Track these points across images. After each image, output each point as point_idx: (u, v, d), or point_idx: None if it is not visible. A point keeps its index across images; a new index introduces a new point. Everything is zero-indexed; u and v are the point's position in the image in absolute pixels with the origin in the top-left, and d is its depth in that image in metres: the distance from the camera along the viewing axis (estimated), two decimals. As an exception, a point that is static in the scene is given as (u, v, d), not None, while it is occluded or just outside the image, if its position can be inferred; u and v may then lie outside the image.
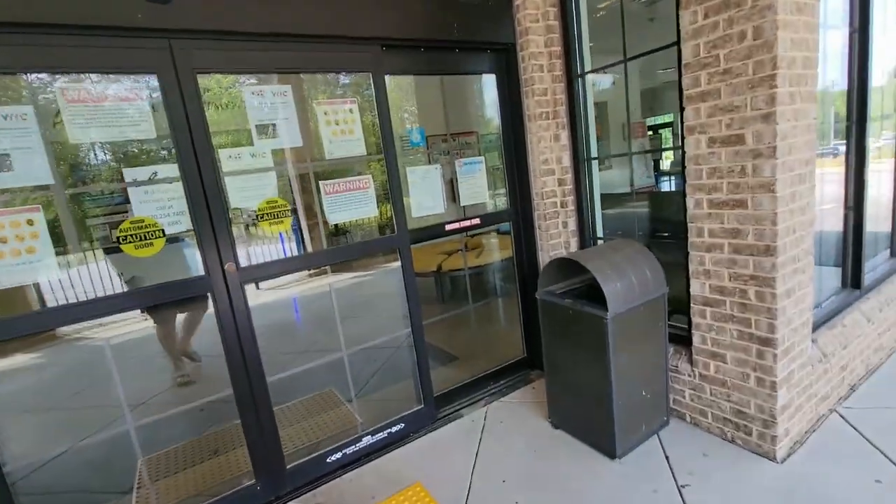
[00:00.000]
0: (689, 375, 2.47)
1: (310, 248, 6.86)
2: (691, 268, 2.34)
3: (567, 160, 2.97)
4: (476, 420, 2.84)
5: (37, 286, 2.18)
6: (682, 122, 2.26)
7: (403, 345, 2.93)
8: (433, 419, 2.83)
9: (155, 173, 1.97)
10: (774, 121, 1.89)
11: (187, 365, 3.87)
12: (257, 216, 2.21)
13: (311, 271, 4.23)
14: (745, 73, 1.94)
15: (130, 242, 1.92)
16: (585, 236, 3.04)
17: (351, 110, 2.41)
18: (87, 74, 1.81)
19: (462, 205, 2.91)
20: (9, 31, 1.64)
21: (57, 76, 1.76)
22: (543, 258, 3.09)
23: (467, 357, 3.74)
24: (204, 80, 2.08)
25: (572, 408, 2.50)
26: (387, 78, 2.46)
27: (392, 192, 2.53)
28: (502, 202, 3.28)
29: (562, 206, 3.03)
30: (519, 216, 3.13)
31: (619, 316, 2.17)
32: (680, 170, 2.32)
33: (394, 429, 2.68)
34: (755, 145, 1.97)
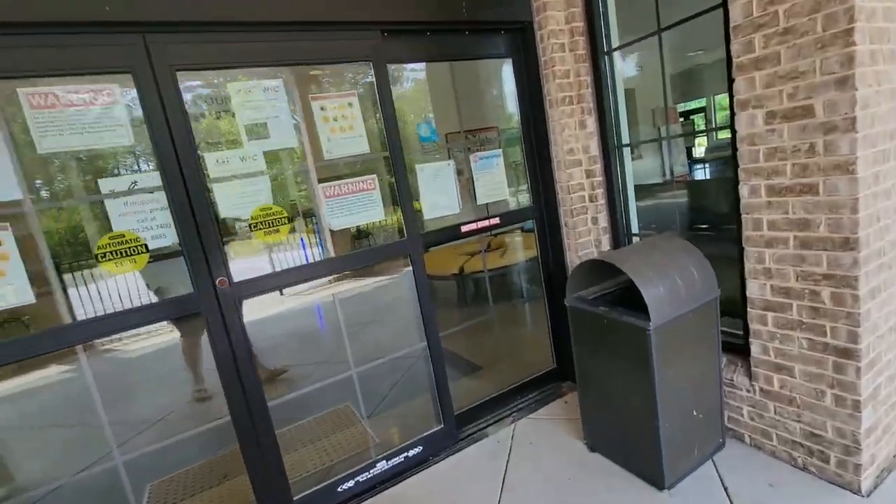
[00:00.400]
0: (748, 391, 2.13)
1: (332, 253, 6.74)
2: (747, 266, 2.01)
3: (595, 149, 2.66)
4: (502, 440, 2.57)
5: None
6: (731, 97, 1.93)
7: (423, 356, 2.69)
8: (454, 440, 2.58)
9: (134, 183, 1.79)
10: (853, 86, 1.54)
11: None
12: (250, 225, 2.01)
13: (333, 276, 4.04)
14: (812, 30, 1.60)
15: (110, 260, 1.75)
16: (619, 233, 2.72)
17: (350, 104, 2.18)
18: (54, 77, 1.64)
19: (479, 203, 2.64)
20: (-40, 31, 1.48)
21: (15, 79, 1.58)
22: (572, 259, 2.79)
23: (492, 367, 3.47)
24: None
25: (611, 428, 2.20)
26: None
27: (400, 192, 2.29)
28: (525, 199, 3.00)
29: (591, 201, 2.72)
30: (543, 213, 2.84)
31: (664, 326, 1.86)
32: (716, 156, 1.99)
33: (411, 452, 2.44)
34: (828, 117, 1.63)
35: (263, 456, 2.07)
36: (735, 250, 2.08)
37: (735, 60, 1.86)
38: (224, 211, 1.97)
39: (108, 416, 3.97)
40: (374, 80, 2.18)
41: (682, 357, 1.97)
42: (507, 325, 3.96)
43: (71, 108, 1.66)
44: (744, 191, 1.94)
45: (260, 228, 2.02)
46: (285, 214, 2.06)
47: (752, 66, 1.80)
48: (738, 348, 2.22)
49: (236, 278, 1.96)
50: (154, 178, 1.80)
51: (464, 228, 2.57)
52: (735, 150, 1.95)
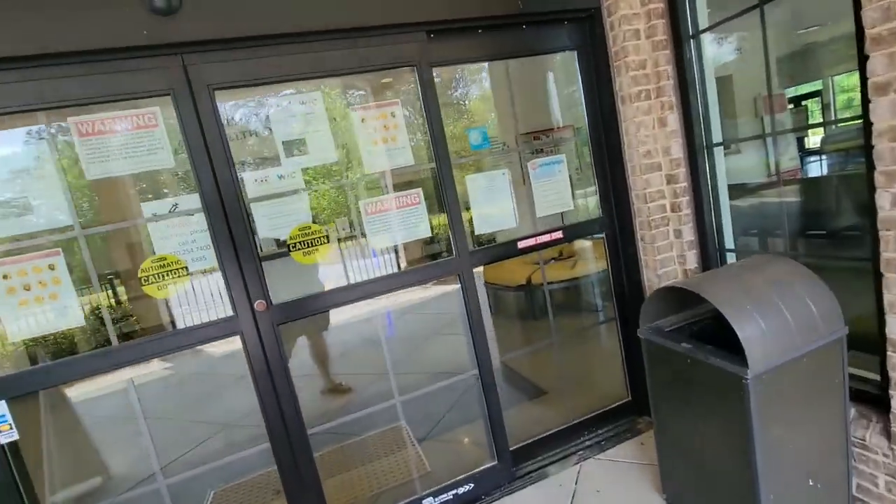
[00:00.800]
0: (885, 455, 1.65)
1: (403, 261, 6.73)
2: (887, 298, 1.54)
3: (678, 149, 2.27)
4: (565, 483, 2.27)
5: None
6: (863, 80, 1.49)
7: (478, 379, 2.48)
8: (510, 478, 2.33)
9: (175, 205, 1.78)
10: None
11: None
12: (289, 246, 1.93)
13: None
14: None
15: (153, 283, 1.75)
16: (708, 249, 2.30)
17: (394, 114, 2.03)
18: (97, 104, 1.66)
19: (539, 215, 2.37)
20: (12, 66, 1.53)
21: (62, 108, 1.62)
22: (649, 278, 2.42)
23: (558, 392, 3.15)
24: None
25: (698, 487, 1.82)
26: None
27: (448, 206, 2.10)
28: (594, 208, 2.66)
29: (673, 210, 2.33)
30: (615, 226, 2.49)
31: (769, 374, 1.47)
32: (837, 147, 1.54)
33: (461, 490, 2.24)
34: None
35: (303, 488, 1.98)
36: (864, 264, 1.62)
37: (869, 32, 1.43)
38: (263, 231, 1.91)
39: (191, 415, 4.19)
40: (418, 85, 2.01)
41: (794, 411, 1.56)
42: (578, 344, 3.60)
43: (115, 135, 1.68)
44: (883, 200, 1.49)
45: (298, 249, 1.94)
46: (324, 234, 1.96)
47: (894, 37, 1.36)
48: (872, 399, 1.74)
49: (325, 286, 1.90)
50: (194, 200, 1.78)
51: (521, 244, 2.31)
52: (870, 146, 1.51)
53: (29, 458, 1.77)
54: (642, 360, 2.49)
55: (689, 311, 1.96)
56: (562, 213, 2.49)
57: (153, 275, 1.74)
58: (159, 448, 3.70)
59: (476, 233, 2.29)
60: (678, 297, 1.91)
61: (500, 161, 2.50)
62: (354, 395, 3.90)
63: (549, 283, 4.60)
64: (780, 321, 1.53)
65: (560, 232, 2.38)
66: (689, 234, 2.33)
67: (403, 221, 2.07)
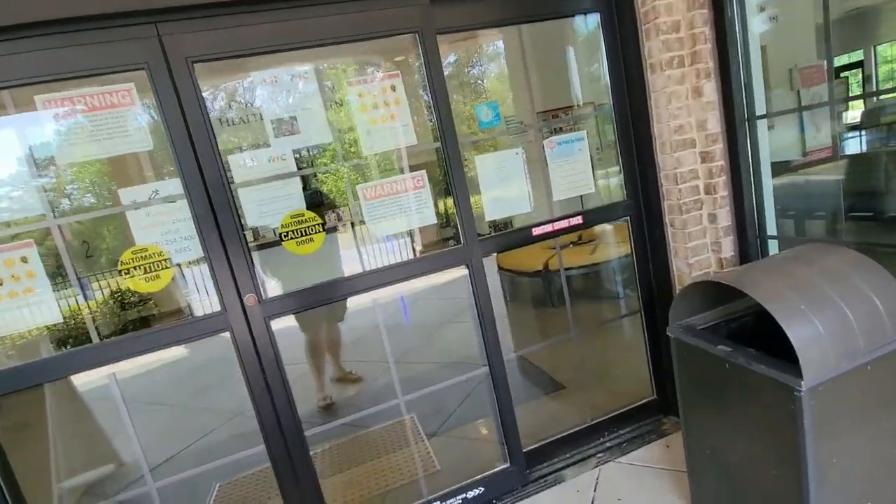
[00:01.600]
0: (959, 474, 1.43)
1: (419, 246, 6.55)
2: (971, 295, 1.30)
3: (715, 123, 2.02)
4: (582, 490, 2.10)
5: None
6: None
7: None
8: (523, 482, 2.18)
9: (156, 192, 1.63)
10: None
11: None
12: (281, 235, 1.77)
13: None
14: None
15: (134, 276, 1.61)
16: (747, 235, 2.06)
17: (394, 87, 1.83)
18: (70, 80, 1.50)
19: (556, 199, 2.15)
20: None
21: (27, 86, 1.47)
22: (678, 267, 2.19)
23: (577, 387, 2.96)
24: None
25: (732, 499, 1.63)
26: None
27: (456, 190, 1.90)
28: (616, 190, 2.43)
29: (707, 192, 2.08)
30: (640, 210, 2.26)
31: (826, 385, 1.26)
32: (880, 121, 1.28)
33: (470, 493, 2.09)
34: None
35: (301, 491, 1.86)
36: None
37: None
38: (252, 219, 1.75)
39: (200, 403, 4.13)
40: (422, 54, 1.80)
41: (855, 427, 1.34)
42: (598, 336, 3.39)
43: (88, 114, 1.52)
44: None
45: (291, 238, 1.78)
46: (319, 221, 1.79)
47: None
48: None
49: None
50: (175, 186, 1.62)
51: (536, 231, 2.10)
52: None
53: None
54: (669, 355, 2.29)
55: (724, 306, 1.74)
56: (580, 197, 2.27)
57: (133, 267, 1.61)
58: (166, 438, 3.70)
59: (487, 218, 2.09)
60: (712, 291, 1.70)
61: (518, 141, 2.27)
62: (365, 385, 3.80)
63: (567, 270, 4.39)
64: (840, 321, 1.30)
65: (579, 217, 2.16)
66: (725, 218, 2.09)
67: (406, 206, 1.89)
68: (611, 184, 2.49)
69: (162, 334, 1.67)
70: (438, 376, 2.40)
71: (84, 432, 3.22)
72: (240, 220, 1.69)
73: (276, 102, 1.73)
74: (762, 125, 2.00)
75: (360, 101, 1.79)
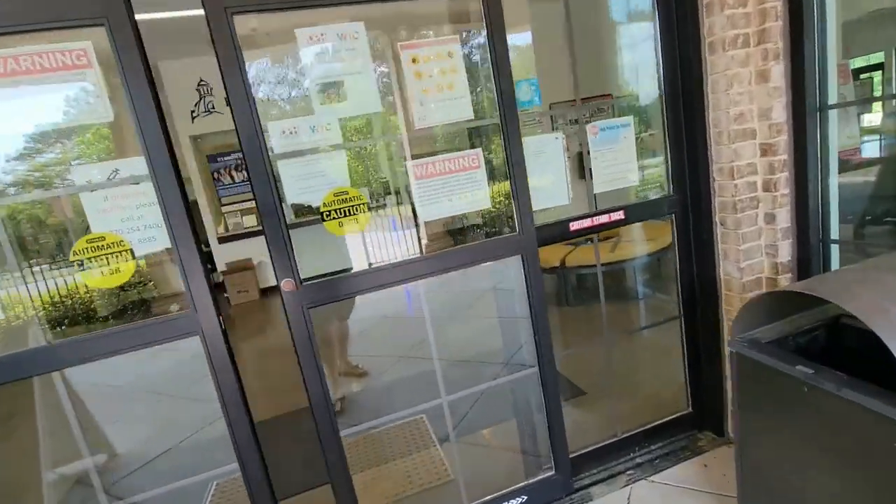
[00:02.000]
0: None
1: (424, 236, 6.33)
2: None
3: (781, 112, 1.80)
4: (613, 511, 1.92)
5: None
6: None
7: (510, 368, 2.14)
8: (568, 491, 2.00)
9: (116, 171, 1.41)
10: None
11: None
12: (323, 214, 1.59)
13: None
14: None
15: (89, 269, 1.39)
16: (808, 239, 1.85)
17: (451, 53, 1.62)
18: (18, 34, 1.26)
19: (597, 192, 1.94)
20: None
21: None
22: (728, 271, 1.99)
23: (599, 394, 2.78)
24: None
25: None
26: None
27: (514, 172, 1.71)
28: (654, 184, 2.23)
29: (766, 189, 1.87)
30: (687, 206, 2.05)
31: (941, 422, 1.06)
32: None
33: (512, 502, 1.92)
34: None
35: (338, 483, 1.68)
36: None
37: None
38: (291, 195, 1.58)
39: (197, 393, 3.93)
40: (483, 8, 1.58)
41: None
42: (621, 339, 3.20)
43: (35, 76, 1.28)
44: None
45: (333, 217, 1.59)
46: (364, 200, 1.61)
47: None
48: None
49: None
50: (138, 166, 1.38)
51: (574, 226, 1.90)
52: None
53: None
54: (709, 365, 2.10)
55: (789, 318, 1.54)
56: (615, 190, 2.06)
57: (88, 259, 1.38)
58: (163, 428, 3.53)
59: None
60: (773, 300, 1.50)
61: (558, 124, 2.06)
62: (370, 380, 3.62)
63: (583, 267, 4.19)
64: (954, 346, 1.10)
65: (621, 212, 1.96)
66: (784, 219, 1.88)
67: (459, 188, 1.70)
68: (651, 176, 2.28)
69: (117, 338, 1.42)
70: (453, 374, 2.21)
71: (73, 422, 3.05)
72: (279, 196, 1.51)
73: (323, 65, 1.52)
74: (833, 116, 1.78)
75: (415, 68, 1.59)
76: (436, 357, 1.98)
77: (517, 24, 1.92)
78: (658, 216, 2.08)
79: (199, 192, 6.51)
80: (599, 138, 1.92)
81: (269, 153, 1.49)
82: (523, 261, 1.79)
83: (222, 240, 6.62)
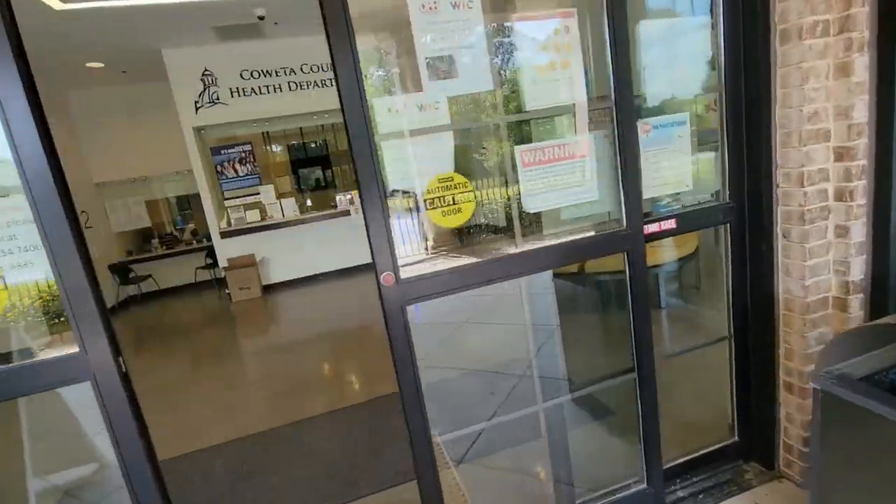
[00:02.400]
0: None
1: (429, 237, 6.14)
2: None
3: (863, 111, 1.58)
4: (657, 554, 1.72)
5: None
6: None
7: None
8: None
9: None
10: None
11: None
12: (426, 202, 1.43)
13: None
14: None
15: None
16: (888, 256, 1.64)
17: (568, 28, 1.44)
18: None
19: (647, 196, 1.73)
20: None
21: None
22: (789, 289, 1.78)
23: (628, 414, 2.57)
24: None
25: None
26: None
27: (624, 159, 1.55)
28: (707, 189, 2.01)
29: (839, 199, 1.66)
30: (744, 215, 1.84)
31: None
32: None
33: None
34: None
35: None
36: None
37: None
38: (394, 181, 1.45)
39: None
40: None
41: None
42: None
43: None
44: None
45: (436, 207, 1.43)
46: (470, 188, 1.45)
47: None
48: None
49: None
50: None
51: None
52: None
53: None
54: (761, 391, 1.91)
55: (877, 351, 1.33)
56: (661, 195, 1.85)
57: None
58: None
59: (562, 217, 1.68)
60: (869, 333, 1.29)
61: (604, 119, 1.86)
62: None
63: (603, 274, 3.98)
64: None
65: (673, 220, 1.75)
66: (859, 233, 1.66)
67: (567, 179, 1.54)
68: (702, 179, 2.07)
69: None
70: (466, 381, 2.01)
71: (60, 430, 2.86)
72: (383, 183, 1.35)
73: (433, 36, 1.34)
74: (920, 117, 1.57)
75: (530, 43, 1.41)
76: (534, 365, 1.78)
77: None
78: (712, 225, 1.87)
79: (202, 186, 6.31)
80: (652, 137, 1.70)
81: (374, 135, 1.32)
82: (629, 259, 1.64)
83: (224, 235, 6.42)
